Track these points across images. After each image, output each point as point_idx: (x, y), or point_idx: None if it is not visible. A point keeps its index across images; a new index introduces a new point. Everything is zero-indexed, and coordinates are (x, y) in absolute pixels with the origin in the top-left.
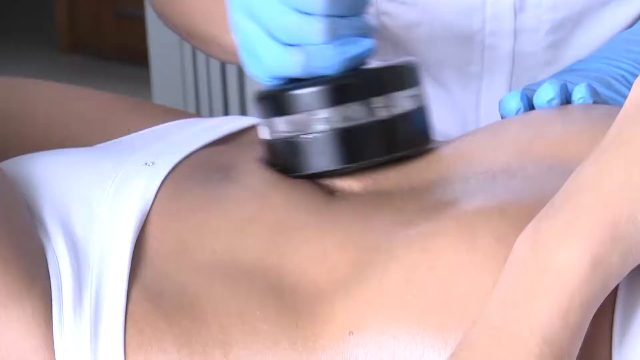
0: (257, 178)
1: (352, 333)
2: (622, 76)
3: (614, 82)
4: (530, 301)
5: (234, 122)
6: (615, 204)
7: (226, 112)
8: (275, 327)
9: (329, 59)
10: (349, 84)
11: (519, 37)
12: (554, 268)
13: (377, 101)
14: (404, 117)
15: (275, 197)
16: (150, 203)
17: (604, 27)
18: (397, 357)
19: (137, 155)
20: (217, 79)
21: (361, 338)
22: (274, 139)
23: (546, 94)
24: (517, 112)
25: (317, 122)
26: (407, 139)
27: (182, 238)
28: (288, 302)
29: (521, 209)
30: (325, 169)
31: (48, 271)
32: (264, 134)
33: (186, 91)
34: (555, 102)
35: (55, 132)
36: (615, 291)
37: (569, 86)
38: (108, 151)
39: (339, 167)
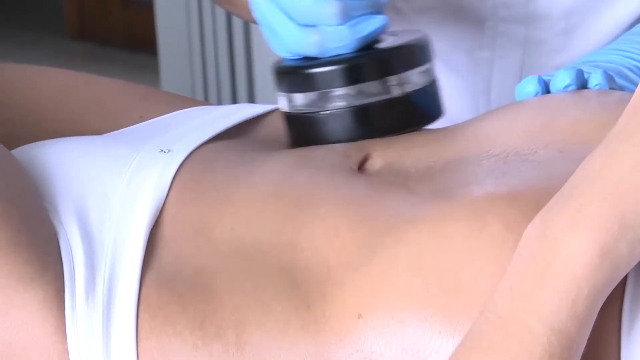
0: (280, 158)
1: (362, 316)
2: (637, 67)
3: (628, 72)
4: (538, 290)
5: (246, 110)
6: (624, 193)
7: (234, 100)
8: (288, 308)
9: (344, 38)
10: (364, 64)
11: (531, 23)
12: (562, 257)
13: (392, 80)
14: (417, 93)
15: (299, 174)
16: (166, 190)
17: (616, 15)
18: (406, 342)
19: (152, 142)
20: (225, 66)
21: (370, 322)
22: (293, 112)
23: (562, 80)
24: (534, 96)
25: (335, 99)
26: (420, 113)
27: (202, 216)
28: (300, 281)
29: (531, 196)
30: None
31: (60, 256)
32: (283, 105)
33: (194, 78)
34: (571, 88)
35: (63, 119)
36: (624, 280)
37: (585, 74)
38: (122, 138)
39: (356, 141)
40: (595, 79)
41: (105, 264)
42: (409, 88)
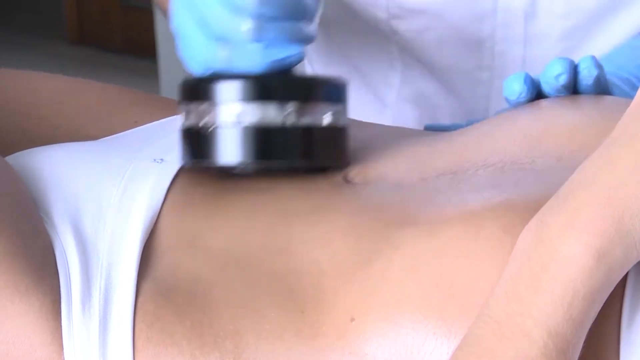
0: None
1: (354, 320)
2: (627, 79)
3: (619, 82)
4: (534, 294)
5: None
6: (621, 198)
7: None
8: (283, 314)
9: (253, 58)
10: (266, 83)
11: (530, 44)
12: (558, 261)
13: (292, 106)
14: (318, 129)
15: (286, 186)
16: (160, 202)
17: (615, 35)
18: (400, 344)
19: (145, 151)
20: None
21: (362, 325)
22: (183, 128)
23: (554, 69)
24: (520, 96)
25: (227, 114)
26: (317, 151)
27: (195, 227)
28: (294, 287)
29: (528, 201)
30: (226, 164)
31: (56, 266)
32: (179, 122)
33: None
34: (563, 77)
35: (62, 126)
36: (624, 280)
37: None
38: (116, 146)
39: (239, 163)
40: (585, 62)
41: (101, 273)
42: (309, 121)
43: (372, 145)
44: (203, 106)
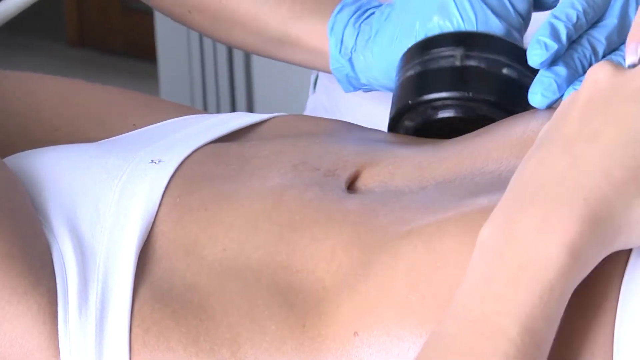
0: (270, 174)
1: (357, 334)
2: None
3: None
4: (512, 293)
5: (240, 118)
6: (596, 199)
7: (233, 108)
8: (283, 327)
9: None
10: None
11: None
12: (535, 260)
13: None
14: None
15: (289, 194)
16: (157, 203)
17: None
18: (402, 359)
19: (143, 152)
20: (225, 74)
21: (366, 339)
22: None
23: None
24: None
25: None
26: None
27: (193, 236)
28: (296, 302)
29: None
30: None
31: (53, 269)
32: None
33: (194, 86)
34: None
35: (61, 127)
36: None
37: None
38: (114, 148)
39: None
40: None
41: (98, 277)
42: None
43: (373, 153)
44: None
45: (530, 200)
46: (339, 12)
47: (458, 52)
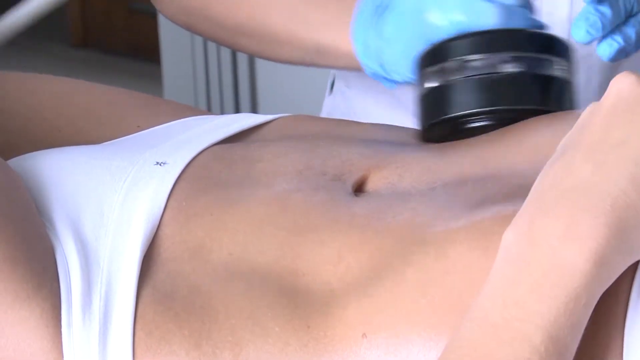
0: (275, 180)
1: (366, 336)
2: None
3: None
4: (536, 300)
5: (245, 120)
6: (622, 207)
7: (237, 109)
8: (287, 329)
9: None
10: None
11: (576, 4)
12: (559, 268)
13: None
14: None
15: (295, 199)
16: (161, 209)
17: None
18: None
19: (147, 154)
20: (229, 75)
21: (374, 341)
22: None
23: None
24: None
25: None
26: (545, 96)
27: (198, 240)
28: (300, 304)
29: None
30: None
31: (57, 272)
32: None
33: (197, 87)
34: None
35: (63, 128)
36: (634, 266)
37: None
38: (118, 150)
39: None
40: None
41: (102, 280)
42: (539, 70)
43: (380, 156)
44: (449, 63)
45: (554, 206)
46: (358, 15)
47: (480, 60)
